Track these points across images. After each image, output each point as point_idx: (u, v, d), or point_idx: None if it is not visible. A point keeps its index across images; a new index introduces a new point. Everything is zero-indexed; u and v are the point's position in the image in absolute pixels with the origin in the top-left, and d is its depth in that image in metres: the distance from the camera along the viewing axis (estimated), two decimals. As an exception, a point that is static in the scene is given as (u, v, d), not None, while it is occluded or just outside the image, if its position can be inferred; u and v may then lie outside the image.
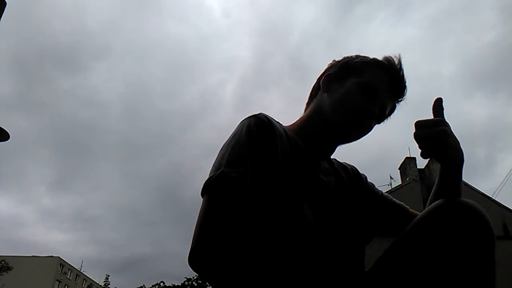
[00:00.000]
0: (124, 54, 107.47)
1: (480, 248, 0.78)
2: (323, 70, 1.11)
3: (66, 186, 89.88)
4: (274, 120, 0.96)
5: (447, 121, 0.88)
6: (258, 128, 0.88)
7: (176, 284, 28.02)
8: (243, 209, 0.79)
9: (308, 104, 1.11)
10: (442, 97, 0.90)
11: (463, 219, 0.79)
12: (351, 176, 1.10)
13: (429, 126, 0.85)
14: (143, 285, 31.07)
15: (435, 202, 0.86)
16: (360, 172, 1.15)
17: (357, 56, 1.07)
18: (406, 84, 1.04)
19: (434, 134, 0.84)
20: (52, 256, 48.08)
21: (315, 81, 1.11)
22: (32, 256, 47.77)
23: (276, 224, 0.84)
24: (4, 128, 4.71)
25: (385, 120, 1.08)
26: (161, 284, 29.04)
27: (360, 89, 1.00)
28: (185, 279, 27.17)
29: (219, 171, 0.81)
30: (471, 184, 15.28)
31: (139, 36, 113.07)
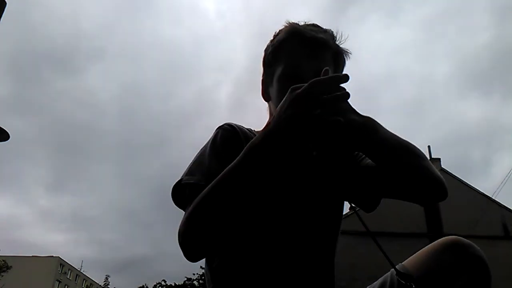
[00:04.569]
0: (119, 56, 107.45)
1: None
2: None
3: (64, 187, 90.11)
4: (243, 126, 1.05)
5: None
6: (221, 137, 0.99)
7: (177, 284, 28.03)
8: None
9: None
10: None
11: (462, 260, 0.83)
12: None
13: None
14: (144, 285, 31.17)
15: (434, 242, 0.90)
16: None
17: (270, 43, 1.06)
18: (319, 29, 1.00)
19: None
20: (52, 256, 48.19)
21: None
22: (32, 256, 47.87)
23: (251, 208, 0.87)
24: (4, 128, 4.71)
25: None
26: (163, 282, 29.07)
27: (284, 81, 0.97)
28: (186, 279, 27.20)
29: (178, 179, 0.94)
30: (471, 184, 15.29)
31: (134, 38, 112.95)
